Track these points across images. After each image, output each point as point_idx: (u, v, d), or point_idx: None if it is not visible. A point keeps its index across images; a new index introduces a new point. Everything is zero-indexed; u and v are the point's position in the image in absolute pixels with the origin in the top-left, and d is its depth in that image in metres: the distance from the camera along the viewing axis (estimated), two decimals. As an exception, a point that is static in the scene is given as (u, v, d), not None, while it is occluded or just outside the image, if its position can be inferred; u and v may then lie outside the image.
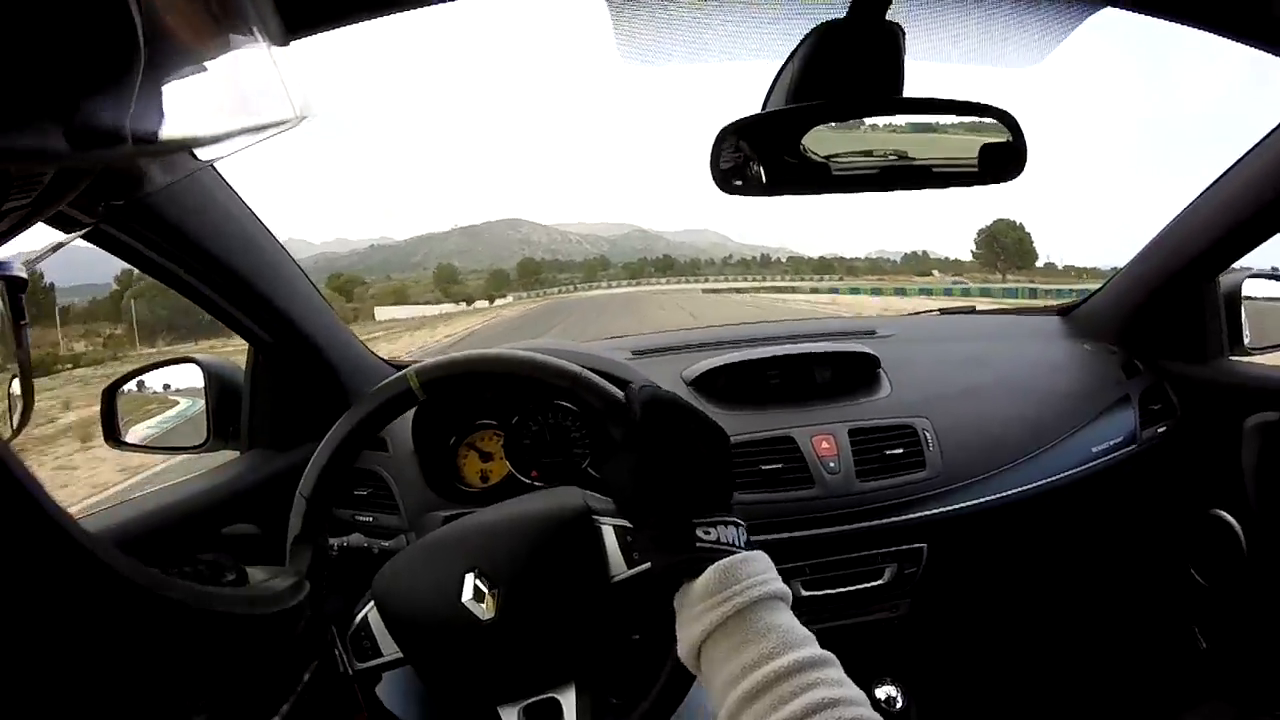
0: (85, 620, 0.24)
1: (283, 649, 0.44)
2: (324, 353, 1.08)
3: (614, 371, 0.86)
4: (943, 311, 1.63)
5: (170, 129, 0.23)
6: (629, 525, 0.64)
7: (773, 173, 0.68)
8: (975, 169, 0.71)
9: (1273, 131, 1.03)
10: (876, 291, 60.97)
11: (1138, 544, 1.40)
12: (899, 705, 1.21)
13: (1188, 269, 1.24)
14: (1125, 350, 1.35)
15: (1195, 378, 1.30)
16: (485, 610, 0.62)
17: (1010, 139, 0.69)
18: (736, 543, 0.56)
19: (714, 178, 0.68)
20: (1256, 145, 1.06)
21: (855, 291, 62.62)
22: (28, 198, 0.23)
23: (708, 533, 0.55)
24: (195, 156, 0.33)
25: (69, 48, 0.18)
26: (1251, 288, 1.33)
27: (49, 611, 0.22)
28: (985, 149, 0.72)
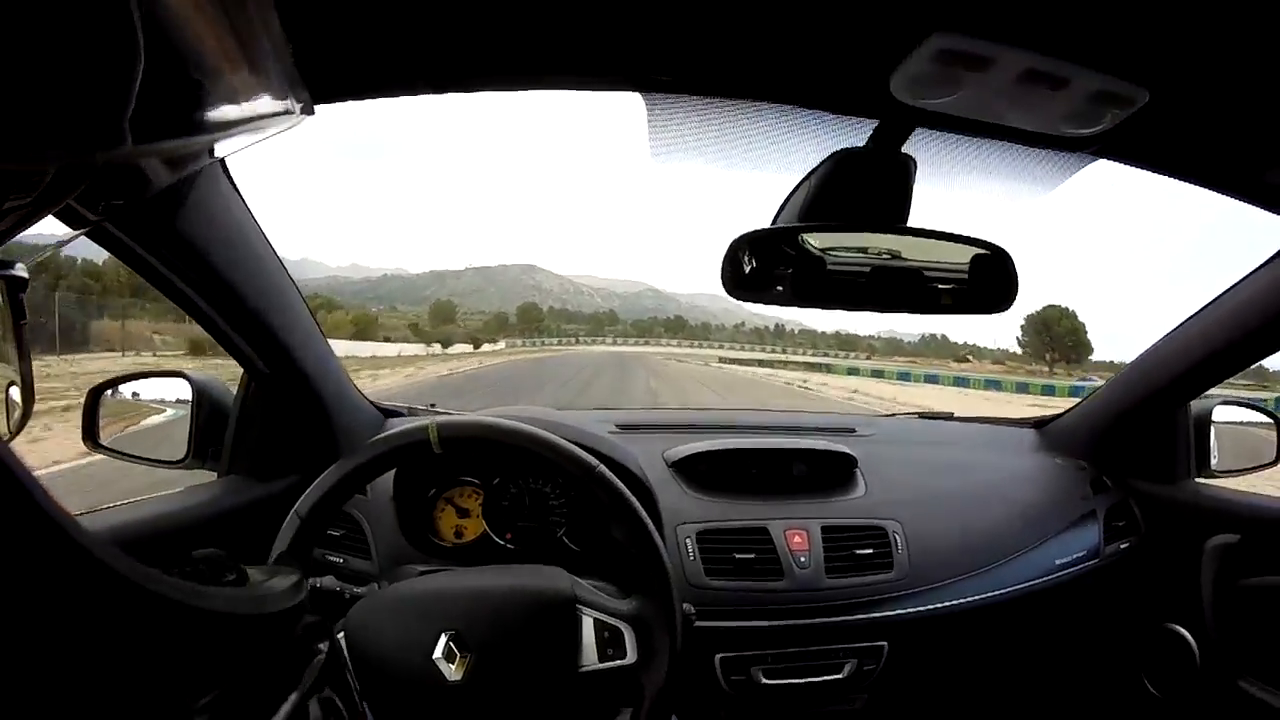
0: (85, 619, 0.23)
1: (283, 648, 0.44)
2: (318, 390, 1.07)
3: (600, 449, 0.88)
4: (921, 415, 1.67)
5: (170, 128, 0.24)
6: (611, 620, 0.66)
7: (774, 282, 0.71)
8: (965, 281, 0.74)
9: (1251, 273, 1.09)
10: (962, 381, 43.76)
11: (1094, 653, 1.42)
12: None
13: (1162, 394, 1.28)
14: (1095, 467, 1.39)
15: (1161, 497, 1.33)
16: (453, 671, 0.63)
17: (997, 260, 0.73)
18: None
19: (724, 282, 0.71)
20: (1235, 284, 1.12)
21: (905, 377, 44.93)
22: (28, 196, 0.23)
23: None
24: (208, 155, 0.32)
25: (69, 48, 0.18)
26: (1222, 414, 1.38)
27: (49, 610, 0.22)
28: (977, 262, 0.76)
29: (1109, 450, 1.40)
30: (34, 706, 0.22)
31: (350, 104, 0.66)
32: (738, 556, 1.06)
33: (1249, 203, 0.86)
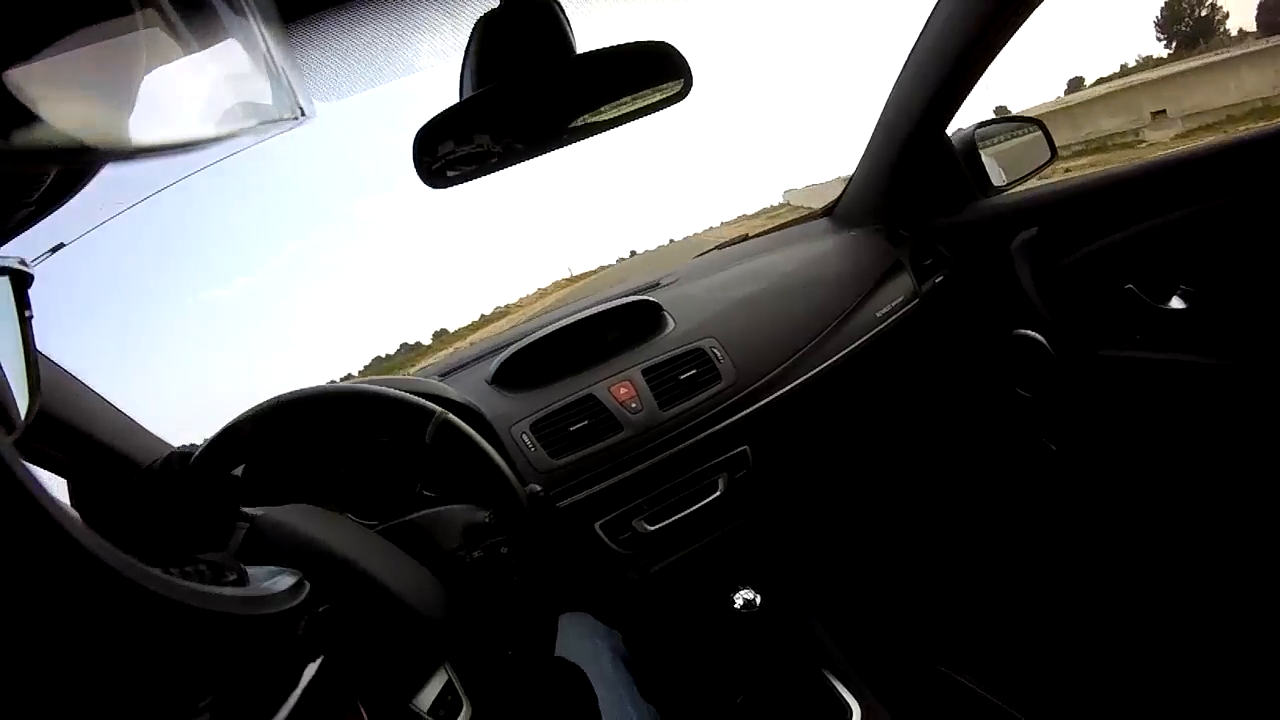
0: (87, 620, 0.23)
1: (283, 649, 0.44)
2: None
3: (428, 390, 0.87)
4: (719, 247, 1.69)
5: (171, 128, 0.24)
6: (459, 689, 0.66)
7: (471, 159, 0.73)
8: (643, 80, 0.76)
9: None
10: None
11: (957, 377, 1.52)
12: (757, 605, 1.27)
13: (914, 137, 1.36)
14: (888, 225, 1.49)
15: (955, 225, 1.44)
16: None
17: (663, 54, 0.75)
18: None
19: (422, 177, 0.71)
20: (931, 12, 1.18)
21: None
22: (31, 197, 0.24)
23: None
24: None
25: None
26: (984, 135, 1.51)
27: (50, 611, 0.22)
28: (647, 62, 0.76)
29: (894, 204, 1.49)
30: (34, 707, 0.22)
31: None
32: (572, 429, 1.08)
33: None
